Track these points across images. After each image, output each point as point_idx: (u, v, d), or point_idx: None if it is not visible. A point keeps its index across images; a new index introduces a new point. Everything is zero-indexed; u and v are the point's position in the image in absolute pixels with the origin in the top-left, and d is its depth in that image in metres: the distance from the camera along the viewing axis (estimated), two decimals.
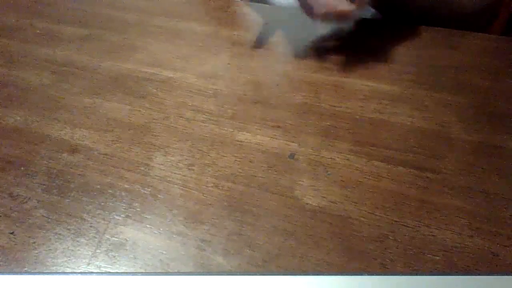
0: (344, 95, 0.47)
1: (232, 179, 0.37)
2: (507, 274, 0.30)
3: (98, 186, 0.37)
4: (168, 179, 0.38)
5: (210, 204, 0.35)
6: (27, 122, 0.44)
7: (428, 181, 0.37)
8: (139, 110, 0.45)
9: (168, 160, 0.39)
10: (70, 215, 0.35)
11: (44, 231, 0.33)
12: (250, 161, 0.39)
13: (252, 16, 0.62)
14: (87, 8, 0.64)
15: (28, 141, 0.41)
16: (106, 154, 0.40)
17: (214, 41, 0.56)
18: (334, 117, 0.44)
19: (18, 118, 0.44)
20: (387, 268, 0.31)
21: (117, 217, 0.34)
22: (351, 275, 0.30)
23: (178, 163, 0.39)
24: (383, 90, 0.47)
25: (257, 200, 0.36)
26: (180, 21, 0.60)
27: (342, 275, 0.30)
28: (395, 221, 0.34)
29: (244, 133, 0.42)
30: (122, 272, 0.31)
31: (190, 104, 0.46)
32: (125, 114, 0.44)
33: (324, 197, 0.36)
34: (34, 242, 0.33)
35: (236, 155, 0.40)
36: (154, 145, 0.41)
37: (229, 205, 0.35)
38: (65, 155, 0.40)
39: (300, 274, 0.30)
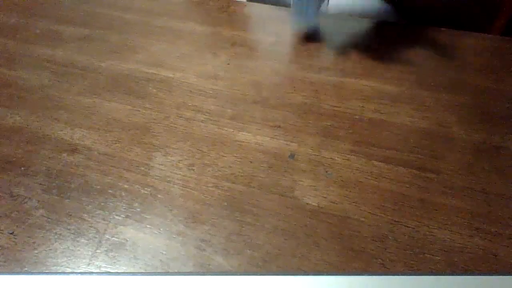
0: (344, 95, 0.47)
1: (232, 179, 0.37)
2: (507, 274, 0.30)
3: (98, 186, 0.37)
4: (168, 179, 0.37)
5: (210, 204, 0.35)
6: (27, 122, 0.44)
7: (428, 181, 0.37)
8: (139, 110, 0.45)
9: (168, 160, 0.39)
10: (70, 215, 0.35)
11: (44, 231, 0.33)
12: (250, 161, 0.39)
13: (252, 16, 0.62)
14: (87, 8, 0.64)
15: (28, 141, 0.41)
16: (106, 154, 0.40)
17: (214, 41, 0.56)
18: (334, 117, 0.44)
19: (18, 118, 0.44)
20: (387, 268, 0.31)
21: (117, 217, 0.34)
22: (351, 275, 0.30)
23: (178, 163, 0.39)
24: (383, 90, 0.47)
25: (257, 200, 0.36)
26: (180, 21, 0.60)
27: (342, 275, 0.30)
28: (395, 221, 0.34)
29: (244, 133, 0.42)
30: (122, 272, 0.31)
31: (190, 104, 0.46)
32: (125, 114, 0.44)
33: (324, 197, 0.36)
34: (34, 242, 0.33)
35: (236, 155, 0.40)
36: (154, 145, 0.41)
37: (229, 205, 0.35)
38: (65, 155, 0.40)
39: (300, 274, 0.30)
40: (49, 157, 0.40)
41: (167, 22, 0.60)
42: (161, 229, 0.33)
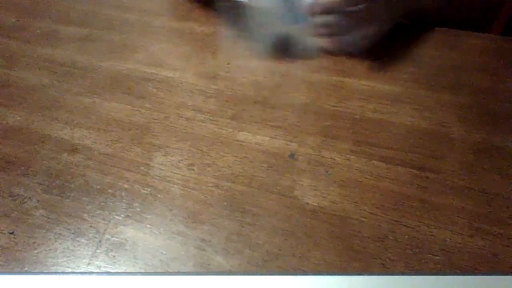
0: (344, 95, 0.47)
1: (232, 179, 0.37)
2: (507, 274, 0.30)
3: (98, 186, 0.37)
4: (168, 179, 0.37)
5: (210, 204, 0.35)
6: (27, 122, 0.44)
7: (428, 181, 0.37)
8: (139, 110, 0.45)
9: (168, 160, 0.39)
10: (70, 215, 0.35)
11: (44, 231, 0.33)
12: (250, 161, 0.39)
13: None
14: (87, 8, 0.64)
15: (28, 141, 0.41)
16: (106, 154, 0.40)
17: (214, 41, 0.56)
18: (334, 117, 0.44)
19: (18, 118, 0.44)
20: (387, 268, 0.31)
21: (117, 217, 0.34)
22: (351, 275, 0.30)
23: (178, 163, 0.39)
24: (383, 90, 0.47)
25: (257, 200, 0.36)
26: (180, 21, 0.60)
27: (342, 275, 0.30)
28: (395, 221, 0.34)
29: (244, 133, 0.42)
30: (122, 272, 0.31)
31: (190, 104, 0.46)
32: (125, 114, 0.45)
33: (324, 197, 0.36)
34: (34, 242, 0.33)
35: (236, 155, 0.40)
36: (154, 145, 0.41)
37: (229, 205, 0.35)
38: (65, 155, 0.40)
39: (300, 274, 0.30)
40: (49, 157, 0.40)
41: (167, 22, 0.60)
42: (161, 229, 0.34)
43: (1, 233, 0.33)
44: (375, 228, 0.33)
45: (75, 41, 0.56)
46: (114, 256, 0.32)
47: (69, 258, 0.32)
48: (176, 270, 0.31)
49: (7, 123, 0.44)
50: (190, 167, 0.39)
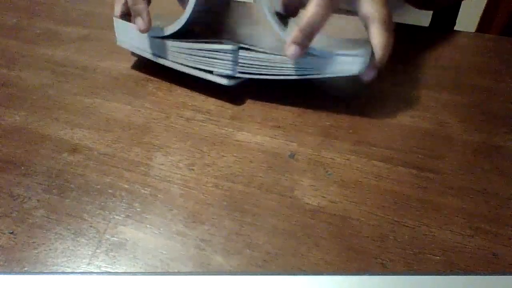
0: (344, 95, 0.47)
1: (232, 179, 0.37)
2: (507, 274, 0.30)
3: (98, 186, 0.37)
4: (168, 179, 0.37)
5: (210, 204, 0.35)
6: (27, 122, 0.44)
7: (428, 181, 0.37)
8: (139, 110, 0.45)
9: (168, 160, 0.39)
10: (70, 215, 0.35)
11: (44, 231, 0.33)
12: (250, 161, 0.39)
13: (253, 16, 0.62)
14: (87, 8, 0.64)
15: (28, 141, 0.41)
16: (106, 154, 0.40)
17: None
18: (334, 117, 0.44)
19: (18, 118, 0.44)
20: (387, 268, 0.31)
21: (117, 217, 0.34)
22: (351, 275, 0.30)
23: (178, 163, 0.39)
24: (383, 90, 0.47)
25: (257, 200, 0.36)
26: None
27: (342, 275, 0.30)
28: (395, 221, 0.34)
29: (244, 133, 0.42)
30: (122, 272, 0.31)
31: (190, 104, 0.46)
32: (125, 114, 0.45)
33: (324, 197, 0.36)
34: (34, 242, 0.33)
35: (236, 155, 0.40)
36: (154, 145, 0.41)
37: (229, 205, 0.35)
38: (65, 155, 0.40)
39: (300, 274, 0.30)
40: (49, 157, 0.40)
41: None
42: (161, 229, 0.33)
43: (1, 233, 0.33)
44: (375, 228, 0.33)
45: (75, 41, 0.56)
46: (114, 256, 0.32)
47: (69, 258, 0.32)
48: (176, 270, 0.31)
49: (7, 123, 0.44)
50: (190, 167, 0.39)
